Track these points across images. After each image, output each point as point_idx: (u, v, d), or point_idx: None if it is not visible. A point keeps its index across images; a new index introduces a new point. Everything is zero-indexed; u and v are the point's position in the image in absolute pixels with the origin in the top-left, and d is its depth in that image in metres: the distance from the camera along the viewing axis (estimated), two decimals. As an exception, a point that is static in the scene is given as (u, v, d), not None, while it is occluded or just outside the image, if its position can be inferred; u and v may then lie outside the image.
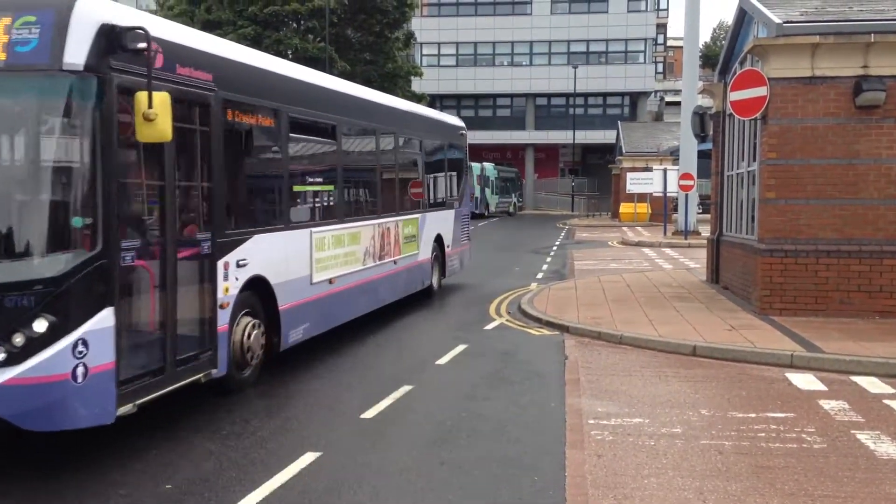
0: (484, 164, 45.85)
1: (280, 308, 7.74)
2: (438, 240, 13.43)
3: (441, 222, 13.60)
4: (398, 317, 11.49)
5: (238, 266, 6.98)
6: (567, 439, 5.90)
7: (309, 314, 8.42)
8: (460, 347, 9.33)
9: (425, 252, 12.71)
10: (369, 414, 6.63)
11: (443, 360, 8.70)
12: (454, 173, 14.73)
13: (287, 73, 8.44)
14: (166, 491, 5.00)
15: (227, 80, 6.86)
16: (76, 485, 5.08)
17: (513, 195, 50.89)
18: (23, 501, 4.84)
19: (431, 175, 13.43)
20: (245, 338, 7.17)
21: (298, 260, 8.23)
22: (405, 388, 7.42)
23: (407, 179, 12.27)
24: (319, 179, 9.19)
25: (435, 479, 5.21)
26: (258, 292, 7.42)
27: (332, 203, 9.29)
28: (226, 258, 6.79)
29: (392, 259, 11.05)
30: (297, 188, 8.56)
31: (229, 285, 6.83)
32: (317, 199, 8.98)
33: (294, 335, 8.11)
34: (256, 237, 7.34)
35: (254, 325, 7.32)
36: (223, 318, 6.72)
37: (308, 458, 5.52)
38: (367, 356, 9.08)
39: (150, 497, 4.90)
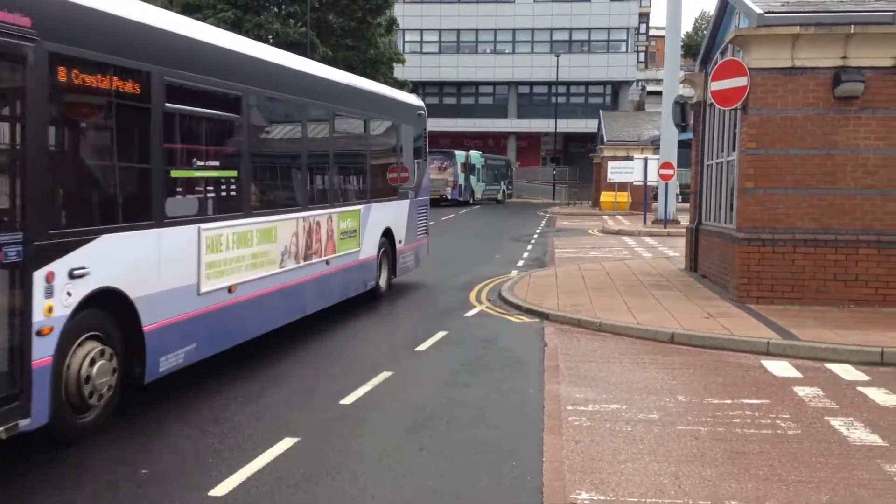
0: (470, 151, 45.96)
1: (145, 328, 6.02)
2: (388, 234, 11.79)
3: (391, 214, 11.93)
4: (378, 304, 11.47)
5: (72, 277, 5.30)
6: (545, 425, 5.93)
7: (195, 332, 6.73)
8: (440, 334, 9.33)
9: (369, 249, 11.05)
10: (348, 400, 6.62)
11: (423, 347, 8.71)
12: (409, 159, 12.99)
13: (162, 26, 6.49)
14: (143, 476, 4.97)
15: (60, 28, 5.28)
16: (51, 471, 5.04)
17: (501, 183, 51.07)
18: (-3, 487, 4.79)
19: (380, 160, 11.73)
20: (85, 370, 5.46)
21: (178, 265, 6.52)
22: (385, 375, 7.41)
23: (346, 165, 10.74)
24: (215, 163, 7.31)
25: (414, 464, 5.22)
26: (111, 309, 5.76)
27: (234, 193, 7.47)
28: (49, 267, 5.11)
29: (323, 259, 9.42)
30: (176, 174, 6.65)
31: (55, 303, 5.16)
32: (210, 188, 7.12)
33: (170, 361, 6.40)
34: (106, 238, 5.64)
35: (101, 354, 5.61)
36: (44, 349, 5.09)
37: (286, 443, 5.51)
38: (347, 342, 9.06)
39: (127, 482, 4.87)
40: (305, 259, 8.92)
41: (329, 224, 9.63)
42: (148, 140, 6.23)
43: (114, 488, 4.78)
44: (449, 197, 42.19)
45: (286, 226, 8.45)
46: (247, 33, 27.69)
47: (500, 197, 49.85)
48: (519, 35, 57.70)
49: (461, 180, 43.30)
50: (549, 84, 56.20)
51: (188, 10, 30.49)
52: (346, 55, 36.92)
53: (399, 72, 43.27)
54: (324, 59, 28.90)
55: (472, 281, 13.95)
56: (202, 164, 7.11)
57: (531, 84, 58.47)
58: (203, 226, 6.87)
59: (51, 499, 4.63)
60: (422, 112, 13.85)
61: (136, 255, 6.00)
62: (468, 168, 44.30)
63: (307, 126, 9.22)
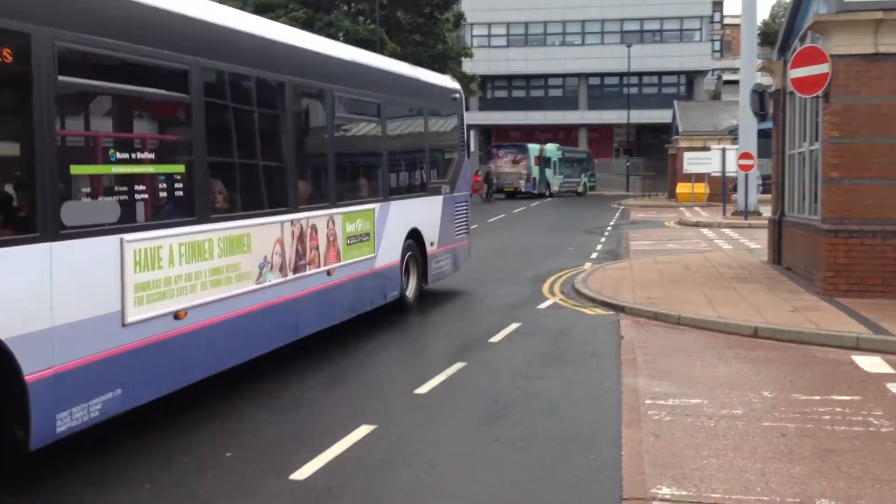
0: (546, 145, 46.12)
1: (28, 378, 4.44)
2: (415, 235, 10.26)
3: (418, 213, 10.40)
4: (448, 298, 11.49)
5: None
6: (623, 418, 5.82)
7: (119, 374, 5.17)
8: (513, 326, 9.29)
9: (390, 254, 9.48)
10: (423, 389, 6.65)
11: (496, 339, 8.68)
12: (442, 150, 11.54)
13: None
14: (228, 458, 5.12)
15: None
16: (139, 449, 5.23)
17: (582, 176, 50.87)
18: (86, 465, 4.98)
19: (401, 151, 10.29)
20: None
21: (86, 289, 4.92)
22: (458, 365, 7.42)
23: (354, 158, 9.22)
24: (148, 156, 5.72)
25: (489, 454, 5.21)
26: None
27: (180, 193, 5.91)
28: None
29: (323, 269, 7.86)
30: (80, 170, 5.15)
31: None
32: (141, 188, 5.58)
33: (75, 416, 4.81)
34: None
35: None
36: None
37: (363, 430, 5.57)
38: (420, 333, 9.12)
39: (213, 463, 5.03)
40: (296, 271, 7.34)
41: (330, 227, 8.06)
42: (28, 124, 4.60)
43: (200, 469, 4.94)
44: (523, 189, 42.78)
45: (266, 231, 6.87)
46: (318, 31, 28.14)
47: (580, 189, 49.71)
48: (588, 26, 56.92)
49: (535, 173, 43.57)
50: (620, 75, 55.26)
51: (260, 10, 31.18)
52: (414, 51, 37.10)
53: (468, 66, 43.26)
54: (392, 55, 29.13)
55: (545, 273, 13.84)
56: (127, 156, 5.56)
57: (602, 75, 57.59)
58: (128, 236, 5.23)
59: (141, 477, 4.80)
60: (457, 95, 12.14)
61: (9, 281, 4.39)
62: (542, 161, 44.54)
63: (294, 111, 7.66)
